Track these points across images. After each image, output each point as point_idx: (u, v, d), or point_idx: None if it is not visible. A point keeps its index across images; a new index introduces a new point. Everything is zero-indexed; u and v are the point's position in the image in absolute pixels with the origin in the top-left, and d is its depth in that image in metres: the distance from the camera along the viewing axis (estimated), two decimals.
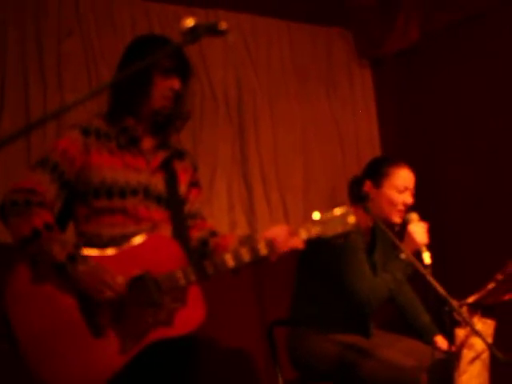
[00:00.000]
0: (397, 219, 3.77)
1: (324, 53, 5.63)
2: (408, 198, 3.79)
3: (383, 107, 5.82)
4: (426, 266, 3.44)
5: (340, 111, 5.63)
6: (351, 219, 3.02)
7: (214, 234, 3.19)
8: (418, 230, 3.60)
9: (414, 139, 5.57)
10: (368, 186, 3.80)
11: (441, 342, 3.89)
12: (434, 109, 5.41)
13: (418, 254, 3.56)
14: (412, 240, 3.59)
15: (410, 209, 3.79)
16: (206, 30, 2.23)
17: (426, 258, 3.50)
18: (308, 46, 5.57)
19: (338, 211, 3.02)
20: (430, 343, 3.87)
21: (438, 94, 5.39)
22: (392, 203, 3.76)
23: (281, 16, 5.47)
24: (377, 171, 3.83)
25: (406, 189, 3.79)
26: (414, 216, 3.66)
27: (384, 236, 3.87)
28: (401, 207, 3.77)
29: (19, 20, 4.46)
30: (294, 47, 5.49)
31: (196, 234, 3.18)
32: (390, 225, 3.72)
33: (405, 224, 3.70)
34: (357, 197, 3.56)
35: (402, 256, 3.58)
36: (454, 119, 5.26)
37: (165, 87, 3.05)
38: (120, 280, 2.80)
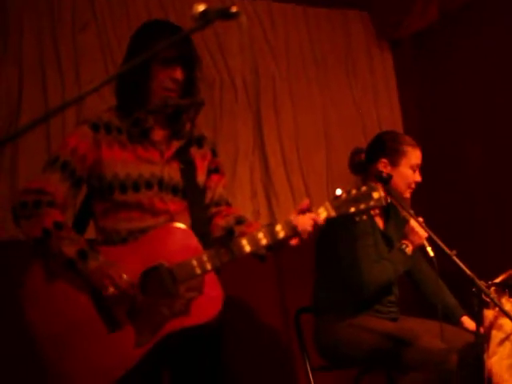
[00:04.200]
0: (408, 195, 3.86)
1: (342, 36, 5.60)
2: (419, 177, 3.85)
3: (404, 89, 5.77)
4: (430, 259, 3.54)
5: (361, 94, 5.59)
6: (376, 194, 2.96)
7: (239, 221, 3.12)
8: (418, 225, 3.62)
9: (435, 121, 5.52)
10: (383, 164, 3.79)
11: (468, 322, 3.87)
12: (455, 89, 5.36)
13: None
14: (415, 235, 3.67)
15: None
16: (218, 14, 2.19)
17: (430, 251, 3.57)
18: (326, 29, 5.53)
19: (362, 187, 2.97)
20: (457, 324, 3.85)
21: (458, 74, 5.33)
22: (408, 182, 3.82)
23: (297, 1, 5.43)
24: (394, 150, 3.81)
25: (418, 166, 3.84)
26: (411, 212, 3.63)
27: (397, 213, 3.96)
28: (413, 186, 3.84)
29: (34, 13, 4.47)
30: (311, 32, 5.46)
31: (221, 222, 3.14)
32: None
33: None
34: (378, 178, 3.52)
35: (403, 248, 3.68)
36: (475, 99, 5.19)
37: (165, 77, 2.99)
38: (126, 277, 2.77)
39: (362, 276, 3.60)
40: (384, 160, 3.79)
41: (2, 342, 3.87)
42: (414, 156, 3.82)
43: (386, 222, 3.94)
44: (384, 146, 3.85)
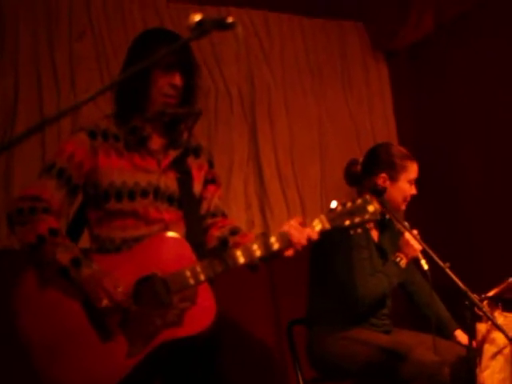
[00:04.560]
0: (403, 207, 3.87)
1: (338, 47, 5.61)
2: (415, 190, 3.87)
3: (399, 100, 5.77)
4: (424, 273, 3.54)
5: (356, 105, 5.60)
6: (371, 208, 2.96)
7: (234, 232, 3.11)
8: (412, 238, 3.62)
9: (430, 132, 5.52)
10: (383, 179, 3.78)
11: (461, 336, 3.86)
12: (451, 100, 5.36)
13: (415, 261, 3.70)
14: (410, 248, 3.67)
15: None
16: (214, 25, 2.20)
17: (424, 264, 3.56)
18: (322, 40, 5.54)
19: (357, 200, 2.97)
20: (450, 337, 3.85)
21: (454, 85, 5.33)
22: (404, 195, 3.83)
23: (293, 11, 5.44)
24: (393, 164, 3.81)
25: (414, 180, 3.85)
26: (406, 225, 3.63)
27: (392, 226, 3.96)
28: (408, 198, 3.85)
29: (31, 21, 4.48)
30: (307, 42, 5.47)
31: (216, 233, 3.13)
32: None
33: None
34: (374, 191, 3.52)
35: (398, 261, 3.69)
36: (470, 111, 5.19)
37: (164, 83, 2.98)
38: (121, 289, 2.75)
39: (356, 289, 3.59)
40: (383, 175, 3.79)
41: None
42: (413, 170, 3.83)
43: (380, 234, 3.93)
44: (383, 160, 3.84)
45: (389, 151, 3.88)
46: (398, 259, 3.67)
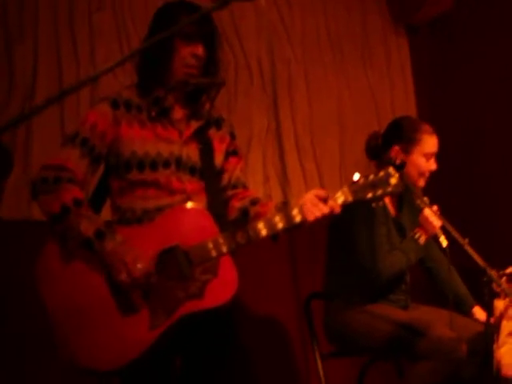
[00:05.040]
0: (422, 184, 3.79)
1: (359, 21, 5.58)
2: (434, 165, 3.78)
3: (419, 75, 5.74)
4: (443, 250, 3.51)
5: (376, 80, 5.58)
6: (394, 180, 2.93)
7: (254, 202, 3.10)
8: (432, 214, 3.58)
9: (450, 108, 5.49)
10: (395, 151, 3.75)
11: (479, 313, 3.85)
12: (471, 76, 5.33)
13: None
14: (429, 224, 3.61)
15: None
16: None
17: (443, 241, 3.52)
18: (342, 14, 5.51)
19: (380, 173, 2.94)
20: (468, 314, 3.83)
21: (475, 60, 5.30)
22: (421, 171, 3.75)
23: None
24: (407, 137, 3.77)
25: (433, 155, 3.78)
26: (425, 200, 3.59)
27: (411, 201, 3.88)
28: (427, 174, 3.78)
29: None
30: (328, 16, 5.44)
31: (237, 204, 3.12)
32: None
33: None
34: (392, 164, 3.49)
35: (416, 238, 3.65)
36: (491, 86, 5.16)
37: (187, 54, 2.97)
38: (140, 266, 2.75)
39: (374, 266, 3.59)
40: (397, 147, 3.76)
41: (17, 321, 3.89)
42: (428, 144, 3.75)
43: (399, 210, 3.91)
44: (399, 132, 3.81)
45: (404, 123, 3.85)
46: (417, 235, 3.65)
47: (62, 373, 3.05)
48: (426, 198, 3.58)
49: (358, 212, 3.59)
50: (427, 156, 3.75)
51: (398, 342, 3.53)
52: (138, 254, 2.76)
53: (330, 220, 3.69)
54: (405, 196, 3.91)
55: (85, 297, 2.79)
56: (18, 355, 3.88)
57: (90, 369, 2.78)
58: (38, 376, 3.89)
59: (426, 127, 3.81)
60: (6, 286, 3.75)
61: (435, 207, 3.55)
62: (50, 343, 2.78)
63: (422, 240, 3.65)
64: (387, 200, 3.80)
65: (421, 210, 3.67)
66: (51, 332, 2.78)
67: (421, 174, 3.76)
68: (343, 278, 3.78)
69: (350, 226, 3.69)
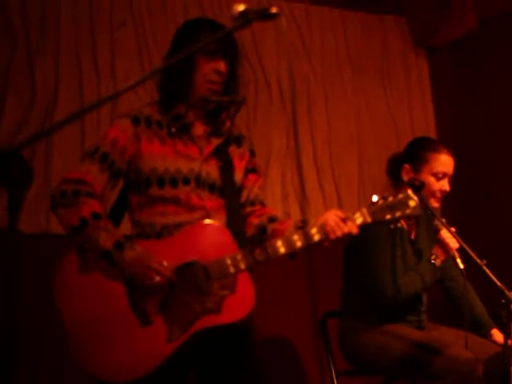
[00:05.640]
0: (436, 204, 3.73)
1: (379, 41, 5.60)
2: (445, 186, 3.73)
3: (439, 97, 5.74)
4: (460, 271, 3.49)
5: (395, 100, 5.59)
6: (412, 203, 2.93)
7: (272, 219, 3.10)
8: (449, 236, 3.56)
9: (470, 130, 5.48)
10: (406, 170, 3.74)
11: (497, 335, 3.81)
12: (492, 98, 5.32)
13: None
14: (446, 246, 3.58)
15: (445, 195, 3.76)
16: (257, 15, 2.19)
17: (460, 262, 3.50)
18: (362, 34, 5.54)
19: (399, 195, 2.94)
20: (486, 336, 3.81)
21: (495, 83, 5.30)
22: (430, 190, 3.69)
23: (334, 4, 5.44)
24: (416, 156, 3.75)
25: (445, 175, 3.73)
26: (443, 221, 3.58)
27: (428, 223, 3.84)
28: (438, 194, 3.72)
29: (73, 9, 4.50)
30: (347, 36, 5.47)
31: (255, 221, 3.12)
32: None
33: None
34: (410, 185, 3.48)
35: (433, 260, 3.61)
36: (511, 109, 5.15)
37: (209, 70, 2.98)
38: (166, 263, 2.77)
39: (387, 288, 3.57)
40: (407, 166, 3.75)
41: (36, 333, 3.90)
42: (436, 163, 3.70)
43: (417, 230, 3.88)
44: (410, 151, 3.81)
45: (416, 143, 3.85)
46: (433, 257, 3.63)
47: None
48: (443, 220, 3.56)
49: (372, 234, 3.58)
50: (436, 176, 3.70)
51: (413, 360, 3.51)
52: (159, 257, 2.78)
53: (346, 241, 3.69)
54: (422, 218, 3.89)
55: (102, 308, 2.80)
56: (32, 369, 3.90)
57: (104, 380, 2.78)
58: None
59: (437, 146, 3.77)
60: (23, 299, 3.76)
61: (453, 229, 3.54)
62: (66, 354, 2.78)
63: (439, 262, 3.62)
64: (404, 222, 3.78)
65: (438, 232, 3.65)
66: (66, 343, 2.79)
67: (431, 194, 3.70)
68: (359, 298, 3.76)
69: (365, 247, 3.68)
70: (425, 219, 3.89)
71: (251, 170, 3.21)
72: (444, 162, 3.73)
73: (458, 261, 3.51)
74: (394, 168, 3.82)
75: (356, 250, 3.78)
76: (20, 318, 2.01)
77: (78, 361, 2.78)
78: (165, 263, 2.77)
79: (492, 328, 3.86)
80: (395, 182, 3.82)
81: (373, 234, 3.57)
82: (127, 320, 2.78)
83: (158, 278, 2.75)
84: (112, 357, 2.76)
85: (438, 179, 3.71)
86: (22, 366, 3.83)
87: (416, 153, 3.77)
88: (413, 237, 3.84)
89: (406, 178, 3.69)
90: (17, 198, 1.92)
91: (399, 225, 3.05)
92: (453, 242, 3.56)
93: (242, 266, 2.82)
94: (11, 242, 1.96)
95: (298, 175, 4.99)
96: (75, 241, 2.82)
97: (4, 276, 1.89)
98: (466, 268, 3.50)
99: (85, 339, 2.78)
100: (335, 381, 3.88)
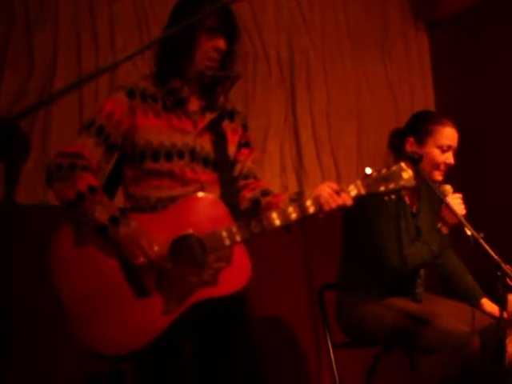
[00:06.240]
0: (437, 177, 3.73)
1: (379, 14, 5.58)
2: (450, 159, 3.73)
3: (439, 71, 5.73)
4: (467, 238, 3.41)
5: (395, 75, 5.58)
6: (406, 175, 2.94)
7: (265, 193, 3.13)
8: (456, 202, 3.55)
9: (469, 104, 5.48)
10: (410, 143, 3.75)
11: (487, 304, 3.84)
12: (491, 72, 5.31)
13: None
14: (451, 212, 3.53)
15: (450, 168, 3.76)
16: None
17: (467, 229, 3.43)
18: (362, 7, 5.53)
19: (392, 167, 2.95)
20: (477, 306, 3.82)
21: (496, 57, 5.29)
22: (435, 163, 3.71)
23: None
24: (420, 128, 3.76)
25: (450, 148, 3.73)
26: (448, 188, 3.58)
27: (430, 196, 3.86)
28: (443, 167, 3.73)
29: None
30: (347, 9, 5.45)
31: (248, 195, 3.15)
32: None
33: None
34: (409, 158, 3.48)
35: (439, 227, 3.60)
36: (511, 83, 5.14)
37: (209, 47, 2.99)
38: (156, 248, 2.78)
39: (394, 260, 3.58)
40: (411, 138, 3.75)
41: (32, 305, 3.91)
42: (442, 135, 3.71)
43: (417, 202, 3.89)
44: (414, 125, 3.81)
45: (420, 116, 3.86)
46: (440, 225, 3.62)
47: (75, 357, 3.07)
48: (449, 187, 3.57)
49: (371, 207, 3.59)
50: (441, 148, 3.71)
51: (402, 330, 3.53)
52: (152, 238, 2.79)
53: (342, 213, 3.69)
54: (423, 192, 3.89)
55: (98, 282, 2.82)
56: (30, 340, 3.92)
57: (102, 353, 2.79)
58: (49, 361, 3.93)
59: (441, 119, 3.77)
60: (19, 271, 3.77)
61: (459, 195, 3.54)
62: (63, 327, 2.80)
63: (445, 229, 3.62)
64: (405, 193, 3.78)
65: (440, 205, 3.65)
66: (64, 316, 2.80)
67: (435, 167, 3.71)
68: (357, 271, 3.78)
69: (364, 220, 3.69)
70: (425, 194, 3.89)
71: (244, 144, 3.22)
72: (449, 134, 3.73)
73: (466, 228, 3.48)
74: (396, 141, 3.82)
75: (354, 223, 3.79)
76: (18, 290, 2.03)
77: (75, 335, 2.79)
78: (155, 247, 2.78)
79: (482, 297, 3.88)
80: (397, 155, 3.81)
81: (373, 205, 3.58)
82: (124, 293, 2.80)
83: (141, 259, 2.76)
84: (108, 330, 2.78)
85: (443, 151, 3.71)
86: (22, 336, 3.85)
87: (421, 125, 3.77)
88: (414, 207, 3.85)
89: (413, 152, 3.68)
90: (14, 169, 1.92)
91: (393, 197, 3.03)
92: (460, 209, 3.55)
93: (238, 238, 2.84)
94: (9, 213, 1.97)
95: (296, 148, 4.99)
96: (71, 214, 2.84)
97: (2, 247, 1.90)
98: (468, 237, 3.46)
99: (82, 314, 2.80)
100: (331, 353, 3.91)
